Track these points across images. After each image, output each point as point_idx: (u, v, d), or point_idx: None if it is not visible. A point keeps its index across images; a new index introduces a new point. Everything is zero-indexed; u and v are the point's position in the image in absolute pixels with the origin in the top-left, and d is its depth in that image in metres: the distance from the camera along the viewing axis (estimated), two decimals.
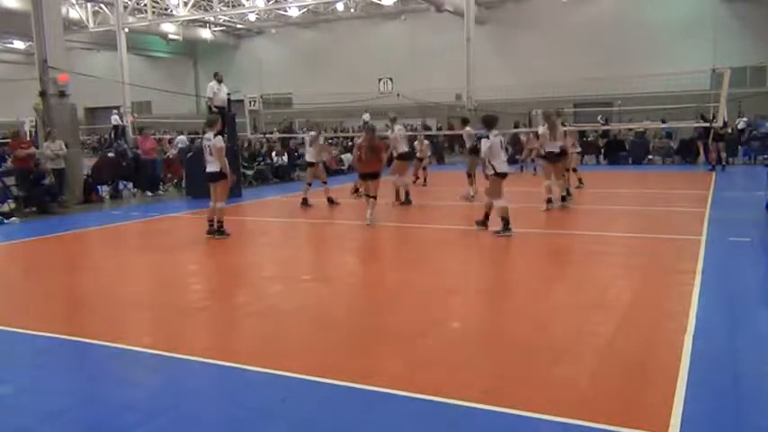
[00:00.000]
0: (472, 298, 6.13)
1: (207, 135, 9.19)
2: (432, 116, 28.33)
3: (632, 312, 5.26)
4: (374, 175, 10.18)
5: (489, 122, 9.13)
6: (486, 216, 9.17)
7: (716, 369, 4.04)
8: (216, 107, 14.71)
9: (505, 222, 8.83)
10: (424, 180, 15.68)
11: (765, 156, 19.50)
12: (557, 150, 10.92)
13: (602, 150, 22.28)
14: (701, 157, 20.19)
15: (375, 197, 10.18)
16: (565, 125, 13.27)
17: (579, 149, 14.81)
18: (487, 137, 8.95)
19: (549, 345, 4.53)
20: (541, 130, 11.03)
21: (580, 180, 13.92)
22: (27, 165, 13.00)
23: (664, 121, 21.45)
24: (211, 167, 9.13)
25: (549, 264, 7.49)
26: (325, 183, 12.59)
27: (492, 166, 8.88)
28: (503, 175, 8.88)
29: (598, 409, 3.49)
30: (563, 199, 11.24)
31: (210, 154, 9.08)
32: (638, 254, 7.78)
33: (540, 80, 25.52)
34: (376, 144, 10.21)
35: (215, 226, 9.21)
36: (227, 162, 9.14)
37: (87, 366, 4.53)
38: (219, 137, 9.19)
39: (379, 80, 28.26)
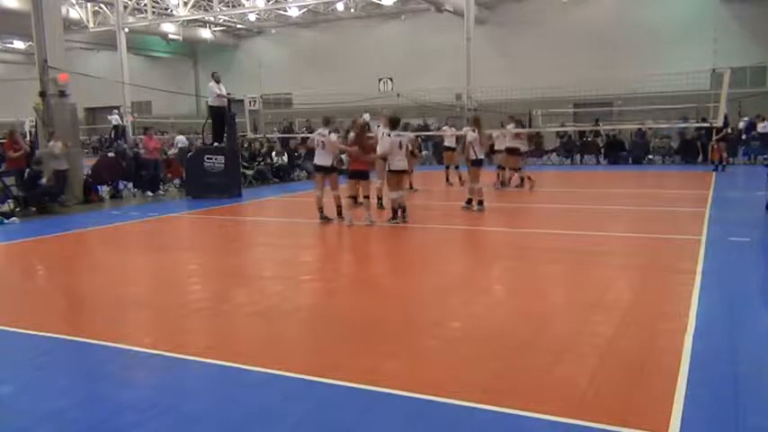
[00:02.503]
0: (472, 297, 6.13)
1: (321, 131, 10.18)
2: (431, 116, 28.33)
3: (632, 312, 5.26)
4: (363, 175, 10.14)
5: (394, 123, 10.26)
6: (394, 211, 10.07)
7: (716, 369, 4.04)
8: (216, 107, 14.78)
9: (394, 212, 10.06)
10: (459, 179, 15.37)
11: (765, 156, 19.52)
12: (482, 156, 11.15)
13: (602, 150, 22.31)
14: (700, 157, 20.28)
15: (368, 197, 10.23)
16: (522, 126, 14.90)
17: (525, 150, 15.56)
18: (389, 135, 10.06)
19: (548, 345, 4.53)
20: (471, 136, 10.95)
21: (526, 178, 14.53)
22: (20, 166, 12.99)
23: (686, 119, 21.41)
24: (323, 161, 10.12)
25: (548, 263, 7.48)
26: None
27: (388, 163, 10.04)
28: (396, 172, 10.02)
29: (598, 409, 3.49)
30: (480, 203, 11.13)
31: (323, 148, 10.01)
32: (638, 254, 7.78)
33: (540, 80, 25.44)
34: (364, 143, 10.13)
35: (332, 211, 10.15)
36: (338, 153, 10.32)
37: (87, 366, 4.53)
38: (334, 133, 10.17)
39: (379, 80, 28.26)
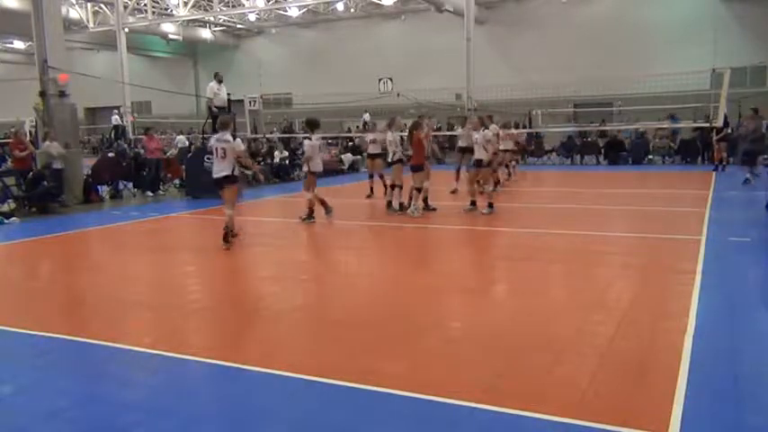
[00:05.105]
0: (472, 297, 6.13)
1: (219, 135, 8.38)
2: (432, 116, 28.32)
3: (632, 312, 5.25)
4: (414, 168, 10.71)
5: (313, 125, 10.38)
6: (311, 210, 10.37)
7: (716, 369, 4.04)
8: (216, 107, 14.77)
9: (311, 211, 10.35)
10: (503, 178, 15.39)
11: (765, 156, 19.52)
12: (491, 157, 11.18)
13: (602, 150, 22.33)
14: (700, 158, 20.34)
15: (419, 189, 10.75)
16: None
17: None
18: (309, 138, 10.23)
19: (549, 345, 4.53)
20: (487, 134, 10.88)
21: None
22: (25, 166, 13.04)
23: (673, 116, 21.57)
24: (222, 171, 8.30)
25: (548, 263, 7.48)
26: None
27: (308, 165, 10.20)
28: (315, 174, 10.26)
29: (598, 409, 3.49)
30: (472, 203, 11.17)
31: (223, 157, 8.24)
32: (639, 254, 7.78)
33: (540, 80, 25.50)
34: (415, 139, 10.72)
35: (226, 231, 8.52)
36: (251, 162, 9.27)
37: (87, 366, 4.52)
38: (239, 140, 8.57)
39: (379, 80, 28.24)
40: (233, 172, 8.38)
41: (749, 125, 15.04)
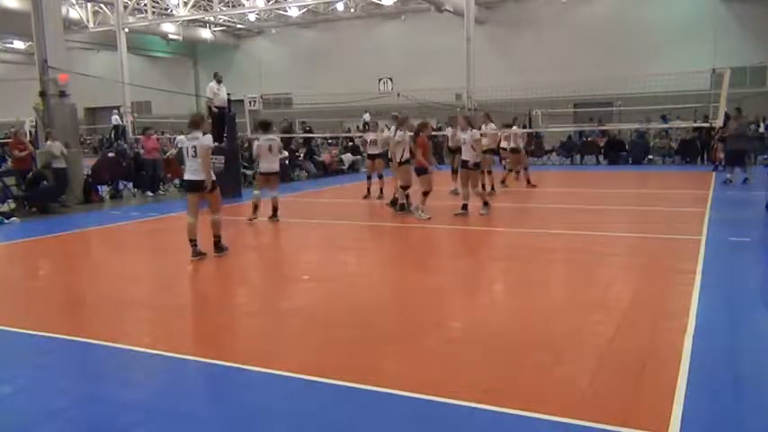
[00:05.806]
0: (472, 298, 6.13)
1: (190, 135, 7.65)
2: (432, 116, 28.31)
3: (632, 312, 5.25)
4: (418, 171, 10.62)
5: (264, 126, 10.64)
6: (255, 207, 10.68)
7: (716, 369, 4.04)
8: (216, 107, 14.77)
9: (255, 207, 10.63)
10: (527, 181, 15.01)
11: (765, 156, 19.55)
12: (478, 160, 10.77)
13: (602, 150, 22.34)
14: (699, 158, 20.39)
15: (427, 193, 10.61)
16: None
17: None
18: (257, 139, 10.53)
19: (548, 345, 4.53)
20: (477, 134, 10.61)
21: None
22: (25, 166, 13.06)
23: (664, 117, 21.66)
24: (196, 174, 7.59)
25: (548, 263, 7.48)
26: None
27: (258, 165, 10.54)
28: (265, 174, 10.51)
29: (598, 409, 3.49)
30: (464, 207, 10.77)
31: (194, 156, 7.55)
32: (639, 254, 7.78)
33: (540, 80, 25.48)
34: (421, 141, 10.63)
35: (214, 240, 7.99)
36: (210, 166, 7.73)
37: (87, 366, 4.53)
38: (209, 136, 7.80)
39: (379, 80, 28.24)
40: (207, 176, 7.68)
41: (732, 125, 15.09)
